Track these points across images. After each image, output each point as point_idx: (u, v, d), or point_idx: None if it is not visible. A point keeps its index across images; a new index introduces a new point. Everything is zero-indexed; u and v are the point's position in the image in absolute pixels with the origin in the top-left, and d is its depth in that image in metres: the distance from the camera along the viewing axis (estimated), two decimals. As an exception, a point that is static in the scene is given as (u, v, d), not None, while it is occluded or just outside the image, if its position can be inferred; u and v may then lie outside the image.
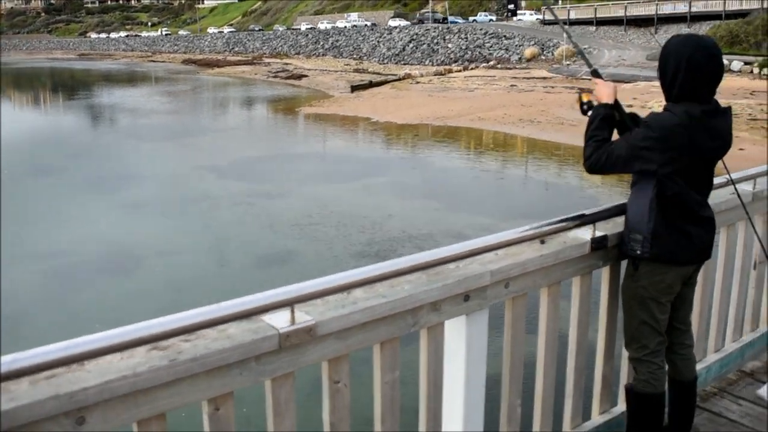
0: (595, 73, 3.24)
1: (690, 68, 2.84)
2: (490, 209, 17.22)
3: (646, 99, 27.71)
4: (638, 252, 2.98)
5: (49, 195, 19.33)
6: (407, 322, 2.28)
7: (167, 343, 1.88)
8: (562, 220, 2.73)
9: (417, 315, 2.29)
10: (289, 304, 2.04)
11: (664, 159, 2.85)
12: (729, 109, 3.00)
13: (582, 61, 37.89)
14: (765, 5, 49.77)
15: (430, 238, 14.97)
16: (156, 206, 18.71)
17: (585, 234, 2.80)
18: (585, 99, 3.12)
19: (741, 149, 22.05)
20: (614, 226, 2.96)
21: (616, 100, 3.07)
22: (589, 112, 3.08)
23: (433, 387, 2.47)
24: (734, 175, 3.44)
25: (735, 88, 33.29)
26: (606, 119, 3.00)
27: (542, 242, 2.66)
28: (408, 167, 23.00)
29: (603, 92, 3.08)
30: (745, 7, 51.27)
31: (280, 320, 2.04)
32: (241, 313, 1.98)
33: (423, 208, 17.49)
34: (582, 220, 2.80)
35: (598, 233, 2.82)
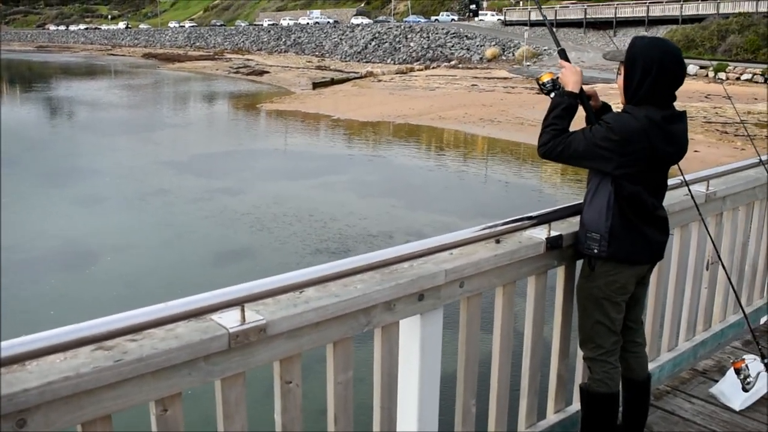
0: (563, 54, 3.18)
1: (658, 72, 2.84)
2: (449, 207, 17.27)
3: (605, 99, 27.98)
4: (595, 251, 2.97)
5: (3, 188, 18.92)
6: (360, 322, 2.25)
7: (112, 343, 1.83)
8: (517, 220, 2.72)
9: (370, 314, 2.26)
10: (240, 303, 2.00)
11: (621, 162, 2.84)
12: (684, 113, 3.00)
13: (542, 62, 38.19)
14: (720, 11, 50.70)
15: (389, 236, 14.98)
16: (112, 201, 18.45)
17: (540, 234, 2.79)
18: (546, 78, 3.06)
19: (696, 151, 22.42)
20: (569, 226, 2.97)
21: (581, 89, 3.02)
22: (552, 94, 3.03)
23: (388, 387, 2.44)
24: (688, 177, 3.48)
25: (691, 91, 33.83)
26: (568, 109, 2.96)
27: (497, 242, 2.66)
28: (369, 165, 22.98)
29: (569, 78, 3.01)
30: (701, 12, 52.21)
31: (230, 320, 2.00)
32: (190, 312, 1.94)
33: (383, 206, 17.49)
34: (537, 220, 2.80)
35: (553, 233, 2.82)
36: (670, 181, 3.45)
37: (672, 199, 3.43)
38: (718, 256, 3.61)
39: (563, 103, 2.95)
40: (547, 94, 3.03)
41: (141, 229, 16.02)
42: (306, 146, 26.64)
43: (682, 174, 3.39)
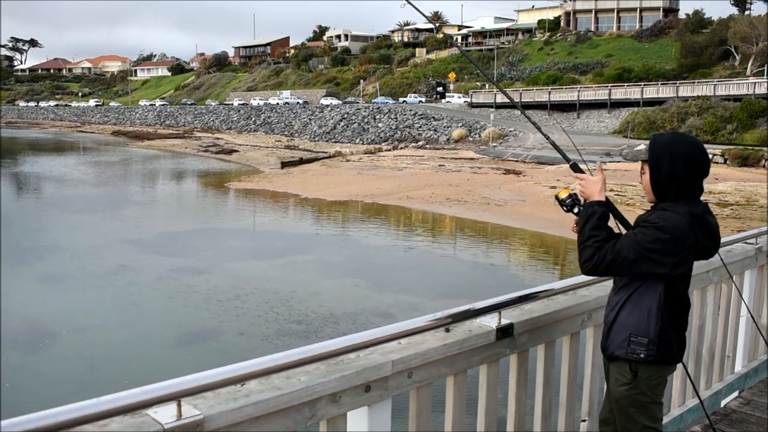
0: (576, 168, 3.13)
1: (688, 166, 2.83)
2: (416, 288, 17.23)
3: (569, 181, 28.46)
4: (642, 355, 2.88)
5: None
6: (304, 415, 2.18)
7: (38, 443, 1.75)
8: (467, 309, 2.70)
9: (315, 407, 2.20)
10: (176, 397, 1.93)
11: (675, 261, 2.80)
12: (707, 204, 2.98)
13: (508, 143, 38.71)
14: (679, 94, 52.25)
15: (356, 317, 14.87)
16: (75, 279, 18.19)
17: (491, 322, 2.76)
18: (564, 195, 3.00)
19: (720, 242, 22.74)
20: (521, 313, 2.94)
21: (606, 197, 2.96)
22: (575, 209, 2.99)
23: (336, 481, 2.36)
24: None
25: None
26: (603, 218, 2.88)
27: (447, 330, 2.62)
28: (336, 244, 22.97)
29: (593, 189, 2.95)
30: (661, 95, 53.80)
31: (165, 415, 1.93)
32: (124, 407, 1.87)
33: (349, 286, 17.41)
34: (488, 308, 2.77)
35: (504, 321, 2.79)
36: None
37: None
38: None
39: (596, 213, 2.88)
40: (570, 210, 2.98)
41: (103, 308, 15.76)
42: (273, 225, 26.60)
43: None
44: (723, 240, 4.49)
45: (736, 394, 4.69)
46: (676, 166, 2.81)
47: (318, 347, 2.23)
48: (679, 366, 3.85)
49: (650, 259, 2.77)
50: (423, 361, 2.46)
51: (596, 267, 2.80)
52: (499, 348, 2.80)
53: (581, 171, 3.07)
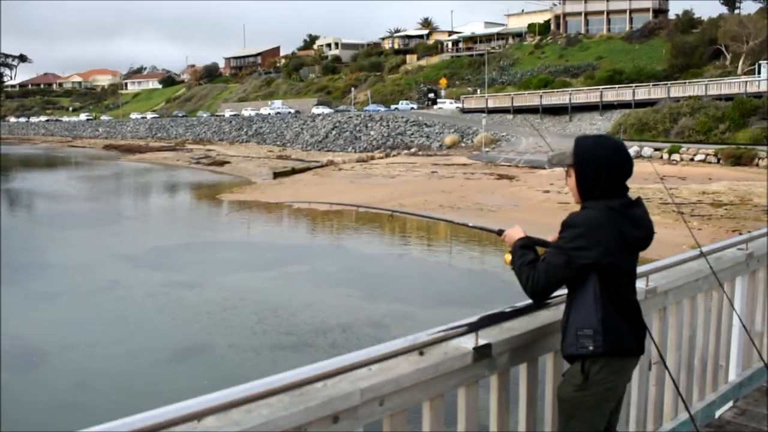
0: (500, 233, 3.28)
1: (611, 167, 2.94)
2: (409, 297, 17.10)
3: (563, 185, 28.36)
4: (590, 348, 2.86)
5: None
6: (267, 451, 2.04)
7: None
8: (441, 330, 2.56)
9: (278, 442, 2.06)
10: (129, 437, 1.81)
11: (600, 251, 2.85)
12: (640, 199, 3.08)
13: (501, 148, 38.83)
14: (670, 95, 52.29)
15: (349, 328, 14.75)
16: (66, 296, 18.05)
17: (467, 343, 2.63)
18: (509, 258, 3.11)
19: (654, 233, 22.66)
20: (500, 332, 2.81)
21: (526, 235, 3.13)
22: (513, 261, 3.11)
23: None
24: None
25: (646, 173, 34.45)
26: (525, 247, 3.04)
27: (421, 353, 2.49)
28: (328, 254, 22.85)
29: (513, 236, 3.13)
30: (652, 96, 53.81)
31: (115, 457, 1.80)
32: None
33: (342, 297, 17.29)
34: (465, 329, 2.64)
35: (482, 341, 2.66)
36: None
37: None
38: (660, 356, 3.47)
39: (516, 246, 3.06)
40: (513, 264, 3.08)
41: (94, 325, 15.63)
42: (265, 236, 26.48)
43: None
44: (712, 246, 4.39)
45: (730, 404, 4.55)
46: (600, 168, 2.93)
47: (281, 378, 2.09)
48: (669, 377, 3.75)
49: (575, 256, 2.86)
50: (395, 387, 2.33)
51: (535, 285, 2.92)
52: (477, 369, 2.66)
53: (502, 233, 3.23)
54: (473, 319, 2.68)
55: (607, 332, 2.86)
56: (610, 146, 3.00)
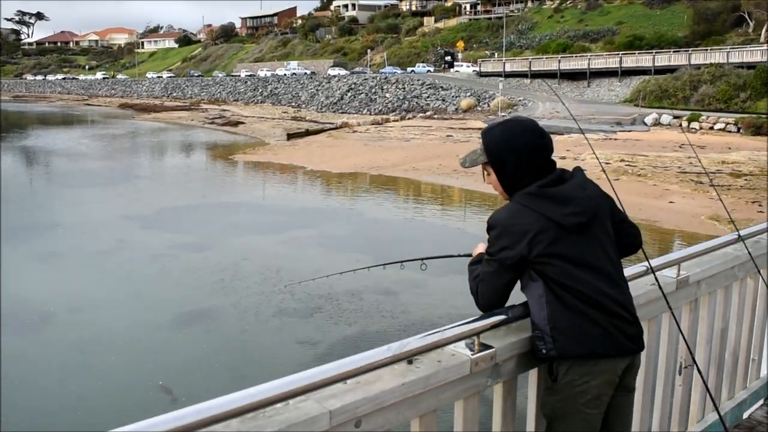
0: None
1: (528, 153, 2.64)
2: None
3: (579, 151, 27.82)
4: (543, 351, 2.50)
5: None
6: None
7: None
8: (434, 334, 2.14)
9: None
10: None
11: (523, 245, 2.50)
12: (576, 169, 2.72)
13: (517, 112, 38.32)
14: (691, 62, 51.22)
15: (357, 294, 14.40)
16: (72, 257, 17.80)
17: (465, 348, 2.22)
18: None
19: (671, 202, 22.15)
20: (506, 333, 2.39)
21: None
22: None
23: None
24: (656, 262, 2.93)
25: (665, 141, 33.79)
26: (473, 264, 2.78)
27: (410, 362, 2.08)
28: (339, 218, 22.45)
29: (478, 248, 2.88)
30: (673, 63, 52.73)
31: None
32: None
33: (352, 262, 16.87)
34: (463, 331, 2.21)
35: (484, 345, 2.24)
36: (634, 269, 2.91)
37: (637, 288, 2.87)
38: (693, 359, 3.03)
39: (473, 261, 2.82)
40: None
41: (99, 287, 15.39)
42: (276, 199, 26.14)
43: (647, 259, 2.86)
44: (751, 230, 3.94)
45: (761, 402, 4.13)
46: (518, 157, 2.64)
47: (234, 399, 1.67)
48: (697, 376, 3.33)
49: (502, 258, 2.54)
50: (375, 406, 1.90)
51: (482, 299, 2.62)
52: (477, 379, 2.24)
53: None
54: (473, 320, 2.25)
55: (556, 332, 2.49)
56: (520, 129, 2.71)
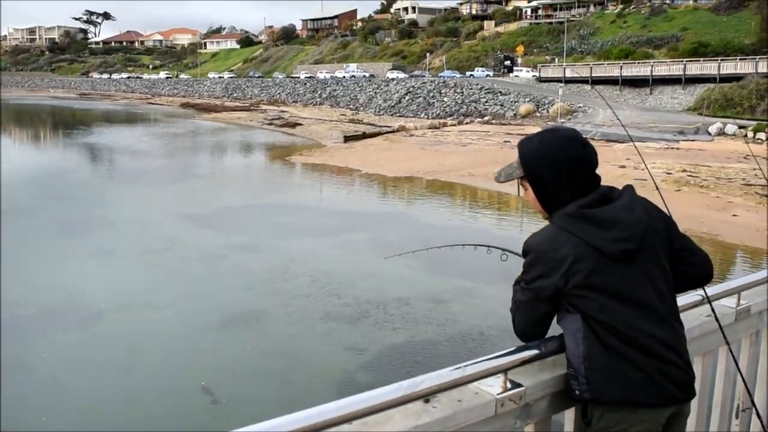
0: None
1: (570, 165, 2.37)
2: (474, 272, 16.37)
3: (638, 161, 27.13)
4: (576, 392, 2.24)
5: (11, 239, 18.51)
6: None
7: None
8: (455, 370, 1.91)
9: None
10: None
11: (559, 275, 2.23)
12: (626, 188, 2.42)
13: (577, 119, 37.57)
14: (758, 70, 49.74)
15: (407, 302, 14.20)
16: (125, 255, 17.94)
17: (492, 386, 1.99)
18: None
19: (734, 215, 21.40)
20: (539, 369, 2.15)
21: None
22: None
23: None
24: (713, 290, 2.64)
25: (729, 151, 32.80)
26: (516, 283, 2.46)
27: (426, 401, 1.87)
28: (392, 223, 22.27)
29: None
30: (739, 71, 51.26)
31: None
32: None
33: (403, 268, 16.67)
34: (487, 368, 1.98)
35: (513, 383, 2.01)
36: (688, 298, 2.63)
37: (691, 320, 2.60)
38: (752, 400, 2.74)
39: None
40: None
41: (149, 286, 15.51)
42: (328, 201, 26.10)
43: (703, 289, 2.57)
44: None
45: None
46: (557, 170, 2.37)
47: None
48: (756, 421, 3.02)
49: (537, 288, 2.28)
50: (384, 451, 1.71)
51: (518, 328, 2.39)
52: (506, 419, 2.01)
53: None
54: (500, 353, 2.02)
55: (591, 373, 2.22)
56: (560, 140, 2.43)
